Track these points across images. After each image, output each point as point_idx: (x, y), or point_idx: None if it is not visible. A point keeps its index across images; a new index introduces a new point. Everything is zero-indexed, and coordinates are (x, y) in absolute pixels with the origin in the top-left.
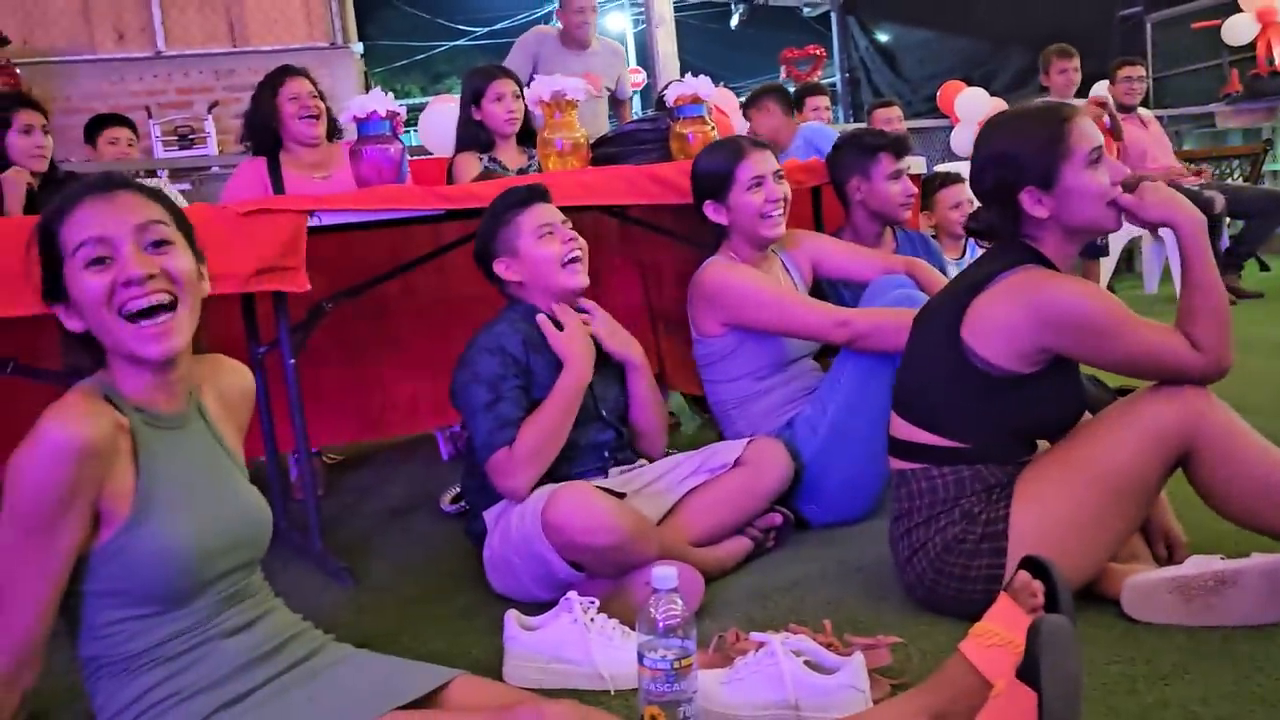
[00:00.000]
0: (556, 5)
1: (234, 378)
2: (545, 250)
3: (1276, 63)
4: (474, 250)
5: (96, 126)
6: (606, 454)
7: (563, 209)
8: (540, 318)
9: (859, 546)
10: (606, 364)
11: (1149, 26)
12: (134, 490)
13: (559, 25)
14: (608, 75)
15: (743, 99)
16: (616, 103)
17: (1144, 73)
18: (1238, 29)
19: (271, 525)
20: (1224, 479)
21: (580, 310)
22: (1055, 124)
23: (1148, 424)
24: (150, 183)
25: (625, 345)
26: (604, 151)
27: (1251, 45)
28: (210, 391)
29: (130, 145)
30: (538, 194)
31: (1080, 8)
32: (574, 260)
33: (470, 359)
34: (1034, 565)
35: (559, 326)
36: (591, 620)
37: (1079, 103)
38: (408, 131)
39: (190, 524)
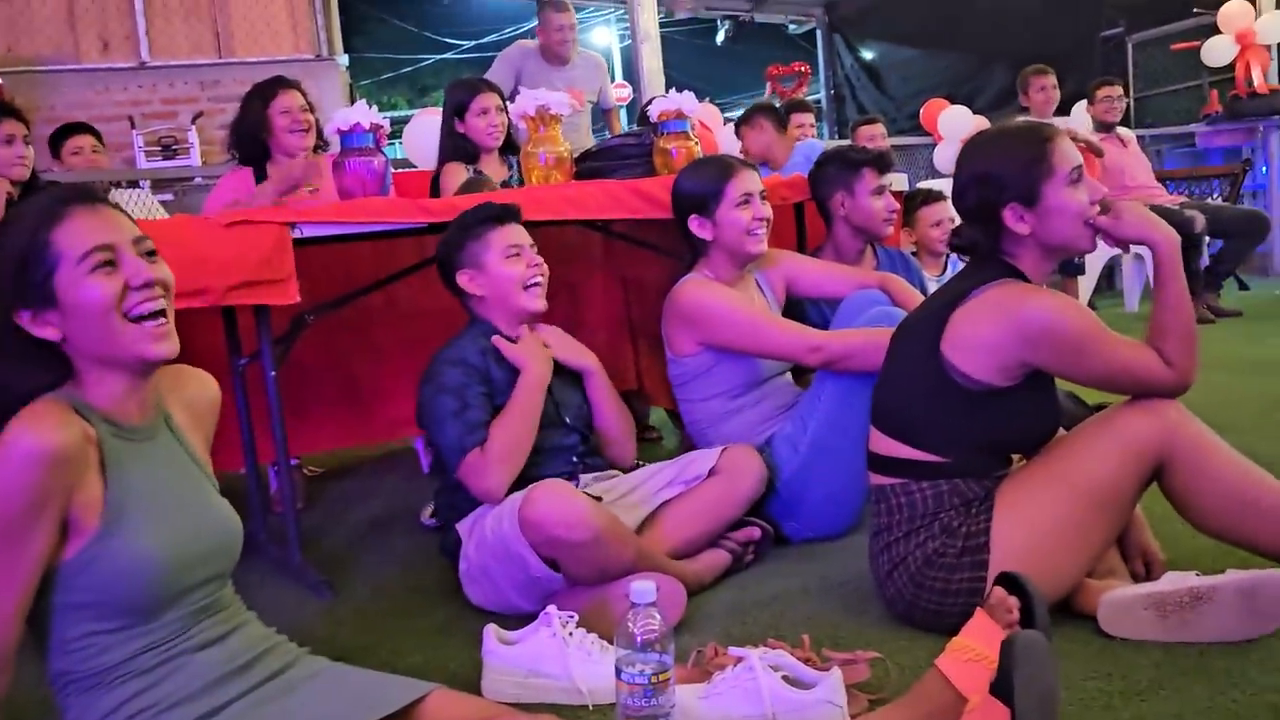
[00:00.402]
0: (537, 23)
1: (200, 388)
2: (511, 270)
3: (1255, 84)
4: (438, 258)
5: (59, 139)
6: (575, 459)
7: (546, 223)
8: (495, 339)
9: (840, 562)
10: (563, 371)
11: (1130, 47)
12: (103, 502)
13: (539, 41)
14: (589, 88)
15: (729, 115)
16: (603, 113)
17: (1123, 92)
18: (1217, 50)
19: (242, 536)
20: (1198, 491)
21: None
22: (1037, 143)
23: (1125, 437)
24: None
25: (578, 355)
26: (588, 166)
27: (1231, 66)
28: (176, 402)
29: (95, 151)
30: (511, 213)
31: (1063, 28)
32: (535, 284)
33: (434, 373)
34: (1010, 581)
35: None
36: (570, 634)
37: (1059, 121)
38: (392, 144)
39: (161, 535)
